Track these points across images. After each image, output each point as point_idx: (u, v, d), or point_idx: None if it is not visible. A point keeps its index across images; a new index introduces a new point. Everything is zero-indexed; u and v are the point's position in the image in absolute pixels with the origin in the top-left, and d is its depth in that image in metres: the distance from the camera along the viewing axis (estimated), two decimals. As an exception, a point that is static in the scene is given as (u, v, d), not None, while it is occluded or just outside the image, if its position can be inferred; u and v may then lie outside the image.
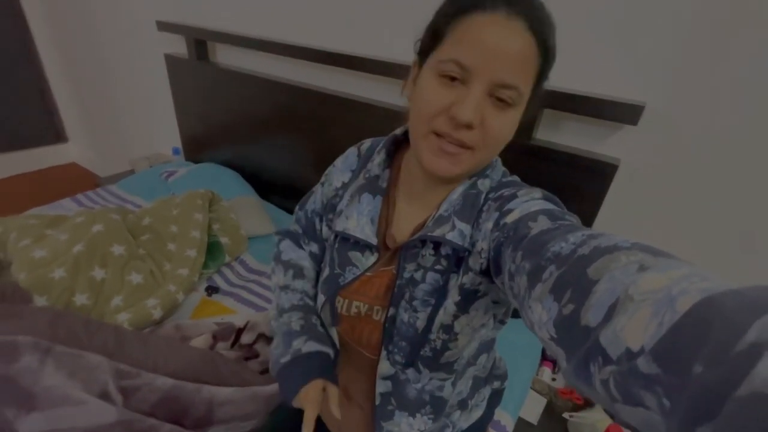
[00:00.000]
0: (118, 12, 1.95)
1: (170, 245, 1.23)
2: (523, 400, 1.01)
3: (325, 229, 0.64)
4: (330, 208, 0.63)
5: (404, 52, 1.15)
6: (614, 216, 1.02)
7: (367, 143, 0.63)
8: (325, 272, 0.60)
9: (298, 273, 0.68)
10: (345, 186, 0.62)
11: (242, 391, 0.85)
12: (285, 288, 0.67)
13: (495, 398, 0.76)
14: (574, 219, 0.41)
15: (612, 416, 1.00)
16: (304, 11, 1.34)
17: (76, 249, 1.04)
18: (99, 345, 0.82)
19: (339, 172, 0.64)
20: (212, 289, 1.23)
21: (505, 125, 0.45)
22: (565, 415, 1.02)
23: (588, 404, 1.05)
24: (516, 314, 0.91)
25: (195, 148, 1.95)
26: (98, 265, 1.05)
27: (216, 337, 0.98)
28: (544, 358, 1.15)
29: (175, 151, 2.07)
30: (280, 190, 1.68)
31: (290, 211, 1.68)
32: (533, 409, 1.06)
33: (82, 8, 2.12)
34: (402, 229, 0.57)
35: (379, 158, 0.58)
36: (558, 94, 0.91)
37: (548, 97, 0.91)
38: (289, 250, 0.71)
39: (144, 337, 0.89)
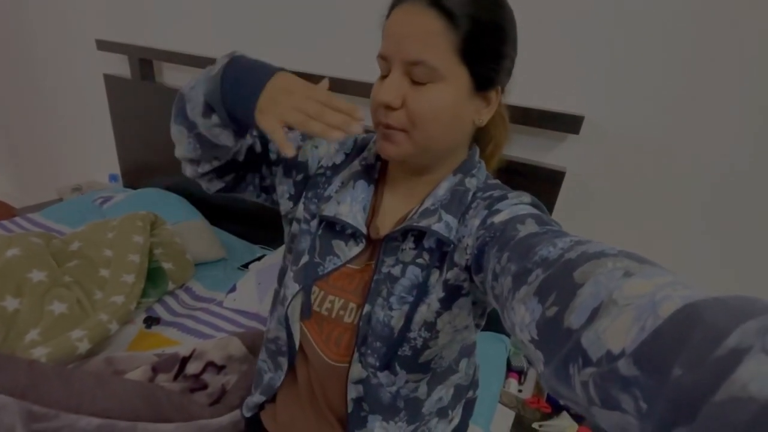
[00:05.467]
0: (50, 29, 1.83)
1: (103, 271, 1.09)
2: (493, 413, 0.98)
3: (300, 207, 0.59)
4: (311, 182, 0.59)
5: (359, 69, 1.18)
6: (564, 222, 1.07)
7: (362, 135, 0.62)
8: (303, 259, 0.56)
9: None
10: (335, 168, 0.59)
11: (186, 426, 0.74)
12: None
13: (468, 407, 0.74)
14: (559, 226, 0.42)
15: (578, 421, 1.00)
16: (254, 29, 1.34)
17: (-18, 277, 0.89)
18: (7, 383, 0.68)
19: (332, 148, 0.61)
20: (152, 320, 1.10)
21: (427, 102, 0.46)
22: (535, 425, 1.00)
23: (555, 412, 1.04)
24: (485, 327, 0.91)
25: (136, 175, 1.81)
26: (11, 294, 0.90)
27: (156, 369, 0.86)
28: (510, 369, 1.14)
29: (113, 178, 1.92)
30: (231, 216, 1.60)
31: (242, 237, 1.59)
32: (502, 422, 1.03)
33: (7, 26, 1.97)
34: (385, 223, 0.56)
35: (374, 148, 0.58)
36: (508, 108, 0.97)
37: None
38: None
39: (66, 373, 0.76)
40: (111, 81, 1.65)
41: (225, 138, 0.50)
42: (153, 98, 1.56)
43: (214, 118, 0.48)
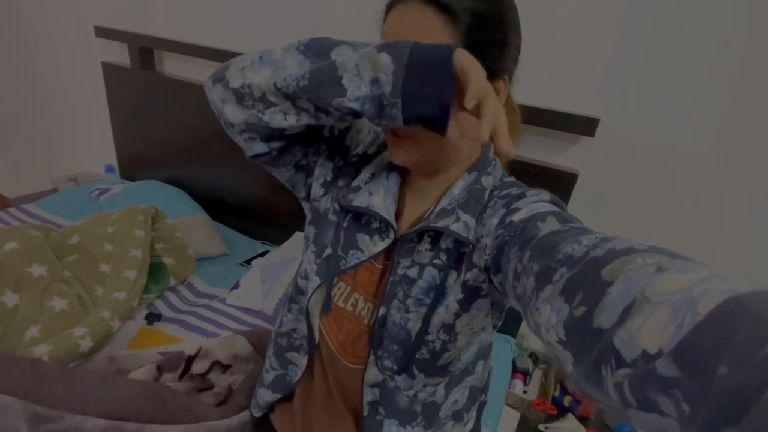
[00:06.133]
0: (47, 15, 1.77)
1: (103, 266, 1.06)
2: (500, 414, 0.98)
3: (329, 197, 0.57)
4: (344, 170, 0.57)
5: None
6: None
7: None
8: (326, 252, 0.54)
9: None
10: (365, 158, 0.57)
11: (195, 428, 0.73)
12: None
13: (480, 410, 0.73)
14: (581, 223, 0.41)
15: (584, 423, 1.00)
16: (259, 20, 1.31)
17: (-20, 271, 0.86)
18: (9, 384, 0.66)
19: (369, 135, 0.59)
20: (153, 317, 1.08)
21: None
22: (540, 426, 1.00)
23: (561, 414, 1.04)
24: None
25: (133, 166, 1.77)
26: (10, 289, 0.87)
27: (161, 368, 0.84)
28: (515, 371, 1.14)
29: (109, 169, 1.87)
30: (232, 209, 1.57)
31: (244, 232, 1.57)
32: (508, 423, 1.03)
33: (2, 11, 1.90)
34: (403, 222, 0.55)
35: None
36: (521, 108, 0.96)
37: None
38: None
39: (69, 373, 0.74)
40: (109, 69, 1.60)
41: (356, 83, 0.40)
42: (153, 88, 1.52)
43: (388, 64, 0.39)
